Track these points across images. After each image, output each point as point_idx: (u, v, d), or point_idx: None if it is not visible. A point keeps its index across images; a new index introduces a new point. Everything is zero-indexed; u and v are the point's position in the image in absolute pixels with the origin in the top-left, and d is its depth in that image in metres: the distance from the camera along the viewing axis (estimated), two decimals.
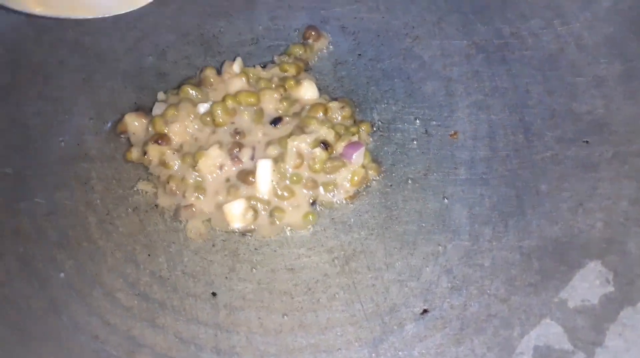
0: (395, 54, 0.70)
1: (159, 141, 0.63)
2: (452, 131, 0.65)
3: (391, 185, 0.63)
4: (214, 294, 0.57)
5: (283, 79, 0.67)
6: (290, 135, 0.62)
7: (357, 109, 0.67)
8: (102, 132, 0.66)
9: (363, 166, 0.63)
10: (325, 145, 0.62)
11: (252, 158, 0.63)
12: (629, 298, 0.56)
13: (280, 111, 0.65)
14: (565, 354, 0.53)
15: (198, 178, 0.62)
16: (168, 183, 0.62)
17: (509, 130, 0.65)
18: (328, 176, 0.62)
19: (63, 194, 0.62)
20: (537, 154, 0.63)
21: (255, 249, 0.60)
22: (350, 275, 0.58)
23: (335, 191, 0.62)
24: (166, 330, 0.56)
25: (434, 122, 0.66)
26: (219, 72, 0.68)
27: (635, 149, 0.63)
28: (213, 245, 0.60)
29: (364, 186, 0.63)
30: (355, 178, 0.62)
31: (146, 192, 0.62)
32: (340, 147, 0.63)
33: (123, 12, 0.68)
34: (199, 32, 0.72)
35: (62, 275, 0.58)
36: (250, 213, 0.60)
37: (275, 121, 0.64)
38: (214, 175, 0.62)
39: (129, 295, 0.57)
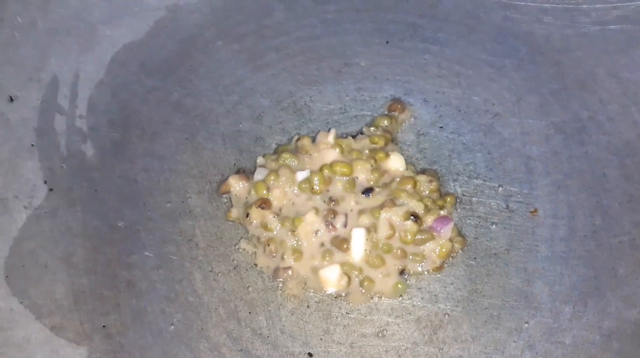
0: (475, 129, 0.75)
1: (262, 206, 0.68)
2: (533, 208, 0.69)
3: (475, 258, 0.67)
4: (310, 355, 0.62)
5: (373, 151, 0.72)
6: (382, 206, 0.67)
7: (441, 181, 0.72)
8: (204, 191, 0.71)
9: (450, 239, 0.67)
10: (416, 218, 0.66)
11: (345, 225, 0.67)
12: None
13: (371, 182, 0.70)
14: None
15: (295, 242, 0.67)
16: (268, 245, 0.67)
17: (587, 211, 0.69)
18: (417, 247, 0.67)
19: (170, 248, 0.67)
20: (614, 237, 0.67)
21: (347, 313, 0.64)
22: (438, 344, 0.62)
23: (424, 262, 0.66)
24: None
25: (515, 199, 0.70)
26: (313, 140, 0.73)
27: None
28: (307, 306, 0.64)
29: (450, 258, 0.67)
30: (443, 250, 0.66)
31: (247, 251, 0.67)
32: (429, 220, 0.67)
33: None
34: (291, 99, 0.77)
35: (171, 327, 0.63)
36: (345, 279, 0.65)
37: (367, 191, 0.69)
38: (311, 240, 0.67)
39: (233, 350, 0.62)
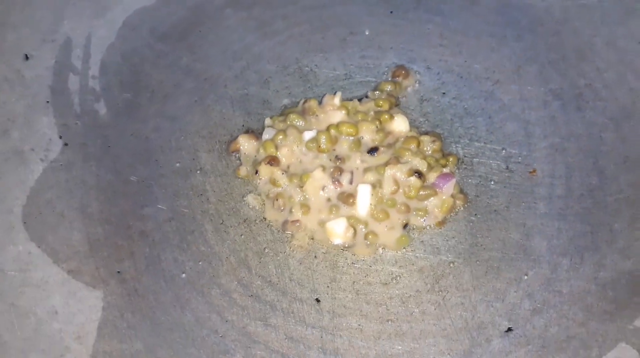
0: (477, 95, 0.77)
1: (271, 162, 0.70)
2: (532, 169, 0.72)
3: (476, 214, 0.69)
4: (317, 300, 0.64)
5: (378, 113, 0.74)
6: (387, 164, 0.69)
7: (443, 143, 0.74)
8: (214, 150, 0.73)
9: (452, 196, 0.69)
10: (419, 174, 0.69)
11: (351, 181, 0.70)
12: None
13: (376, 142, 0.72)
14: None
15: (303, 197, 0.69)
16: (277, 199, 0.69)
17: (584, 172, 0.71)
18: (420, 202, 0.69)
19: (181, 202, 0.69)
20: (610, 195, 0.70)
21: (352, 263, 0.67)
22: (440, 292, 0.65)
23: (426, 217, 0.69)
24: (277, 329, 0.62)
25: (514, 160, 0.73)
26: (320, 103, 0.75)
27: None
28: (315, 256, 0.67)
29: (452, 213, 0.69)
30: (445, 206, 0.69)
31: (253, 206, 0.70)
32: (432, 177, 0.69)
33: None
34: (297, 65, 0.80)
35: (183, 275, 0.65)
36: (351, 231, 0.67)
37: (372, 150, 0.71)
38: (318, 195, 0.69)
39: (244, 296, 0.64)
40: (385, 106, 0.75)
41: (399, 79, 0.79)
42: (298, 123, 0.73)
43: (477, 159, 0.73)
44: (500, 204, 0.70)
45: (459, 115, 0.76)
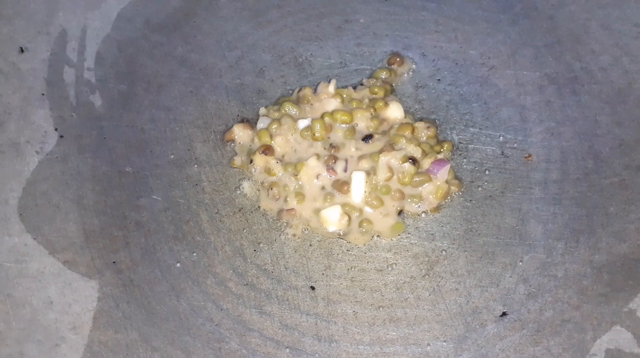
0: (472, 81, 0.77)
1: (265, 152, 0.70)
2: (527, 154, 0.72)
3: (471, 200, 0.69)
4: (312, 288, 0.64)
5: (372, 100, 0.74)
6: (381, 151, 0.69)
7: (439, 130, 0.74)
8: (209, 140, 0.73)
9: (446, 182, 0.69)
10: (414, 161, 0.69)
11: (345, 169, 0.70)
12: None
13: (370, 129, 0.72)
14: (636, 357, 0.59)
15: (298, 185, 0.69)
16: (271, 188, 0.69)
17: (579, 156, 0.71)
18: (415, 189, 0.69)
19: (177, 193, 0.70)
20: (605, 179, 0.69)
21: (347, 250, 0.67)
22: (434, 278, 0.65)
23: (421, 203, 0.69)
24: (272, 317, 0.62)
25: (510, 145, 0.72)
26: (314, 91, 0.75)
27: None
28: (310, 244, 0.67)
29: (447, 199, 0.69)
30: (440, 192, 0.69)
31: (248, 196, 0.70)
32: (426, 163, 0.69)
33: None
34: (292, 54, 0.80)
35: (178, 264, 0.65)
36: (345, 219, 0.67)
37: (367, 138, 0.71)
38: (312, 183, 0.69)
39: (239, 284, 0.64)
40: (380, 94, 0.75)
41: (394, 66, 0.78)
42: (292, 112, 0.73)
43: (473, 145, 0.73)
44: (496, 190, 0.70)
45: (454, 101, 0.76)
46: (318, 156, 0.70)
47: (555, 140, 0.73)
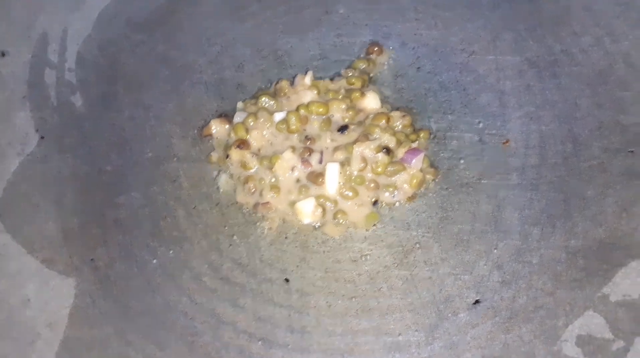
0: (452, 68, 0.76)
1: (241, 146, 0.70)
2: (505, 139, 0.71)
3: (447, 188, 0.69)
4: (287, 280, 0.65)
5: (349, 91, 0.74)
6: (355, 141, 0.69)
7: (416, 118, 0.73)
8: (188, 136, 0.74)
9: (421, 170, 0.69)
10: (387, 150, 0.68)
11: (321, 161, 0.70)
12: None
13: (346, 120, 0.72)
14: (606, 342, 0.59)
15: (273, 179, 0.70)
16: (247, 182, 0.70)
17: (558, 140, 0.70)
18: (389, 178, 0.69)
19: (155, 189, 0.71)
20: (584, 162, 0.68)
21: (323, 242, 0.67)
22: (408, 267, 0.64)
23: (396, 193, 0.69)
24: (246, 309, 0.63)
25: (488, 131, 0.72)
26: (292, 84, 0.76)
27: None
28: (286, 237, 0.67)
29: (422, 188, 0.69)
30: (414, 181, 0.68)
31: (226, 190, 0.70)
32: (401, 152, 0.69)
33: None
34: (272, 48, 0.80)
35: (154, 260, 0.66)
36: (319, 210, 0.68)
37: (342, 129, 0.71)
38: (287, 176, 0.70)
39: (214, 278, 0.65)
40: (358, 84, 0.75)
41: (373, 56, 0.78)
42: (269, 105, 0.73)
43: (450, 133, 0.72)
44: (472, 177, 0.69)
45: (433, 89, 0.75)
46: (293, 148, 0.70)
47: (535, 124, 0.72)
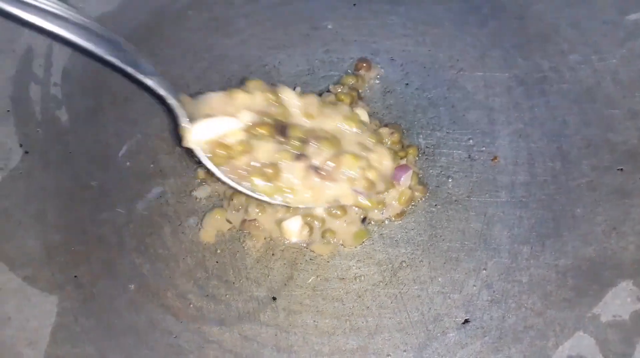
0: (440, 84, 0.76)
1: None
2: (493, 156, 0.71)
3: (436, 205, 0.68)
4: (274, 298, 0.64)
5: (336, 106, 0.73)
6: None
7: (405, 134, 0.73)
8: (174, 152, 0.73)
9: (410, 188, 0.68)
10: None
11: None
12: None
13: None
14: None
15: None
16: (232, 199, 0.69)
17: (547, 157, 0.70)
18: (377, 195, 0.68)
19: (140, 205, 0.69)
20: (573, 180, 0.68)
21: (310, 259, 0.66)
22: (397, 286, 0.64)
23: (384, 210, 0.68)
24: (232, 328, 0.62)
25: (477, 148, 0.71)
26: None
27: None
28: (273, 254, 0.66)
29: (411, 205, 0.68)
30: (403, 198, 0.68)
31: (213, 206, 0.69)
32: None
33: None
34: (260, 63, 0.79)
35: (138, 278, 0.65)
36: (306, 230, 0.67)
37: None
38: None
39: (199, 296, 0.64)
40: (347, 101, 0.74)
41: (362, 72, 0.78)
42: None
43: (439, 150, 0.72)
44: (462, 194, 0.69)
45: (422, 106, 0.75)
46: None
47: (523, 142, 0.71)
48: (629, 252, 0.64)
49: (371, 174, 0.65)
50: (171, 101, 0.64)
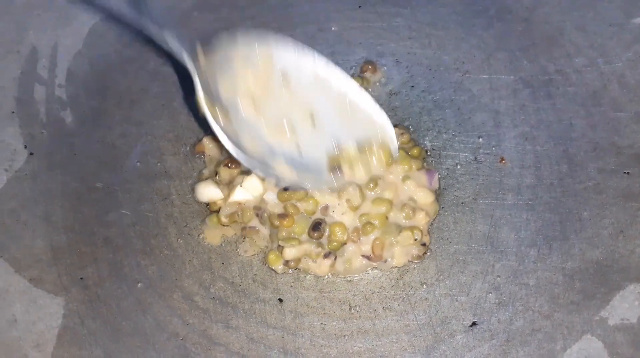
0: (446, 87, 0.76)
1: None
2: (500, 158, 0.71)
3: (442, 207, 0.68)
4: (280, 300, 0.64)
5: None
6: None
7: (411, 137, 0.73)
8: (180, 153, 0.73)
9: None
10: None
11: None
12: None
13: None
14: None
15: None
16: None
17: (553, 160, 0.70)
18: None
19: (146, 207, 0.69)
20: (580, 183, 0.68)
21: None
22: (404, 288, 0.64)
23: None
24: (239, 330, 0.62)
25: (483, 151, 0.71)
26: None
27: None
28: None
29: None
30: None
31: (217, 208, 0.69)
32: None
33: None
34: None
35: (145, 279, 0.65)
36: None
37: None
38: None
39: (206, 298, 0.64)
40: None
41: (367, 74, 0.78)
42: None
43: (445, 152, 0.72)
44: (468, 197, 0.69)
45: (427, 108, 0.75)
46: None
47: (530, 145, 0.71)
48: (636, 255, 0.64)
49: (425, 239, 0.65)
50: (187, 62, 0.63)
